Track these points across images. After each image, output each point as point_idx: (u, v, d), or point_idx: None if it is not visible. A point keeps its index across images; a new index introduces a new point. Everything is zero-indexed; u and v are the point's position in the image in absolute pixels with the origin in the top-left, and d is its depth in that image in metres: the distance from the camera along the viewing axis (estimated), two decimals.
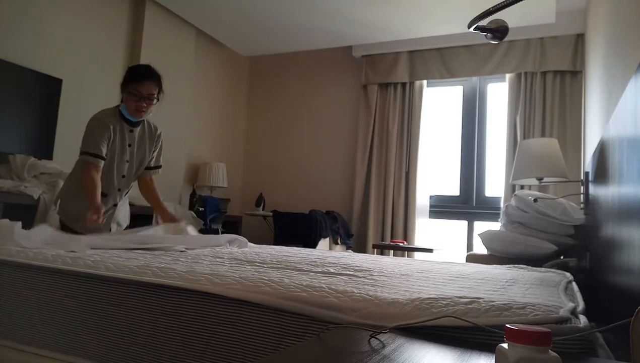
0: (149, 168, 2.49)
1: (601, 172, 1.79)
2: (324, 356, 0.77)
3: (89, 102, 3.78)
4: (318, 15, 4.25)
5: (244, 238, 2.42)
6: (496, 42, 2.12)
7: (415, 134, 4.65)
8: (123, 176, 2.39)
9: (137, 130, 2.38)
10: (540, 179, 3.10)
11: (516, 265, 2.24)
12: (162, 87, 2.32)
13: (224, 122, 5.27)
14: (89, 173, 2.21)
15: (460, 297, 1.07)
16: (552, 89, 4.16)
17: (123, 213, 2.55)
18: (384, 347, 0.81)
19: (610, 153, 1.52)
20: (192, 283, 1.24)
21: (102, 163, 2.25)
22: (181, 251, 1.96)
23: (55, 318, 1.37)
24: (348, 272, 1.58)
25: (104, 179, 2.30)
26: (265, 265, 1.67)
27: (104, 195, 2.32)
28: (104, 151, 2.26)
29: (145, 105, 2.25)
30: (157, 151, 2.50)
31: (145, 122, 2.42)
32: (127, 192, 2.52)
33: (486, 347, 0.85)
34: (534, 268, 2.15)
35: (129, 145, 2.36)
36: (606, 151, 1.65)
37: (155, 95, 2.28)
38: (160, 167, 2.55)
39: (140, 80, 2.23)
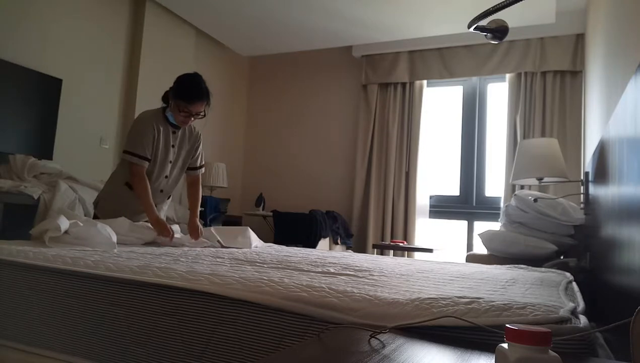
0: (193, 168, 2.52)
1: (601, 172, 1.79)
2: (324, 356, 0.77)
3: (89, 102, 3.79)
4: (318, 15, 4.25)
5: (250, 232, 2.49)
6: (496, 42, 2.12)
7: (415, 134, 4.65)
8: (166, 176, 2.40)
9: (179, 131, 2.41)
10: (540, 179, 3.10)
11: (516, 265, 2.23)
12: (210, 101, 2.33)
13: (224, 122, 5.27)
14: (139, 174, 2.24)
15: (461, 297, 1.07)
16: (552, 89, 4.16)
17: (163, 216, 2.54)
18: (384, 347, 0.81)
19: (610, 153, 1.52)
20: (192, 283, 1.24)
21: (146, 164, 2.27)
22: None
23: (55, 318, 1.37)
24: (348, 272, 1.58)
25: (149, 179, 2.32)
26: (265, 265, 1.67)
27: None
28: (149, 153, 2.27)
29: (192, 119, 2.31)
30: (197, 152, 2.53)
31: None
32: (170, 197, 2.53)
33: (486, 347, 0.85)
34: (534, 268, 2.15)
35: (173, 146, 2.38)
36: (606, 151, 1.65)
37: (203, 112, 2.31)
38: (203, 166, 2.57)
39: (193, 102, 2.25)
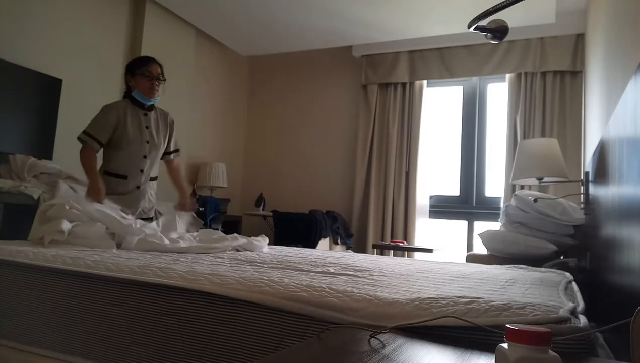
0: (169, 152, 2.71)
1: (601, 172, 1.79)
2: (324, 356, 0.77)
3: (89, 102, 3.78)
4: (318, 15, 4.25)
5: (259, 243, 2.38)
6: (496, 42, 2.12)
7: (415, 134, 4.65)
8: (145, 156, 2.52)
9: (152, 114, 2.58)
10: (540, 179, 3.10)
11: (516, 265, 2.24)
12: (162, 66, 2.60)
13: (224, 122, 5.27)
14: (85, 154, 2.42)
15: (460, 297, 1.07)
16: (552, 89, 4.16)
17: (150, 203, 2.64)
18: (384, 347, 0.81)
19: (610, 153, 1.52)
20: (192, 283, 1.24)
21: (97, 146, 2.43)
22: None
23: (55, 318, 1.37)
24: (348, 272, 1.58)
25: (126, 161, 2.47)
26: (265, 265, 1.67)
27: (124, 177, 2.47)
28: (104, 138, 2.43)
29: (157, 83, 2.52)
30: (172, 138, 2.72)
31: (157, 108, 2.63)
32: (154, 180, 2.63)
33: (486, 347, 0.85)
34: (534, 268, 2.15)
35: (147, 127, 2.54)
36: (606, 151, 1.65)
37: (162, 75, 2.55)
38: (178, 150, 2.77)
39: (149, 62, 2.52)
